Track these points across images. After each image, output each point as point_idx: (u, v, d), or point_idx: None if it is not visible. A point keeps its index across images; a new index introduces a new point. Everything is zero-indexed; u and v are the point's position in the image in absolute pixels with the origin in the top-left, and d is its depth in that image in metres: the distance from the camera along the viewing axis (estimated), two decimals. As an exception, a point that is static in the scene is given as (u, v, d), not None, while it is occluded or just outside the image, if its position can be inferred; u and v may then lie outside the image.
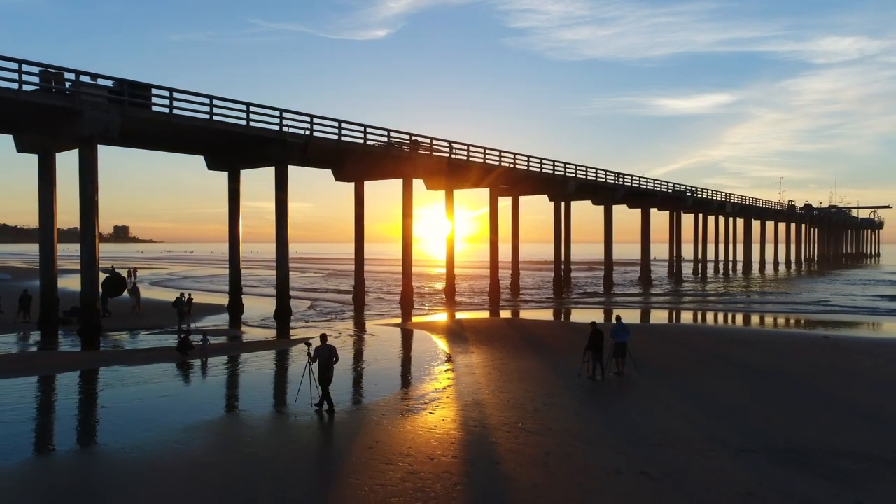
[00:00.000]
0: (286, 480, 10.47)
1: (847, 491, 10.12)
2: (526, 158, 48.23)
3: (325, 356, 15.22)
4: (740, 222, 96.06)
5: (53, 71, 23.85)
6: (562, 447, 12.24)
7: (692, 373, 19.96)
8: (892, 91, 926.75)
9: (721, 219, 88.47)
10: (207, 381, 19.10)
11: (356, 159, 37.20)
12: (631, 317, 37.82)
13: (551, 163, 51.12)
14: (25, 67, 22.78)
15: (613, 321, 20.39)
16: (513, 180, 49.62)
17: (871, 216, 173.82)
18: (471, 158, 42.87)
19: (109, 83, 25.55)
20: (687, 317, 39.32)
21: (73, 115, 24.14)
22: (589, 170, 55.91)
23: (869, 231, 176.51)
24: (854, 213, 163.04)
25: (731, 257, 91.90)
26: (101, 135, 24.73)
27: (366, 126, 35.54)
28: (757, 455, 11.89)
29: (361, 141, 35.49)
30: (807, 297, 50.81)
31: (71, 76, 24.25)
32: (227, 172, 34.95)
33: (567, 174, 53.05)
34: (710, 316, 39.66)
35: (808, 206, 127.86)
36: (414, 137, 38.93)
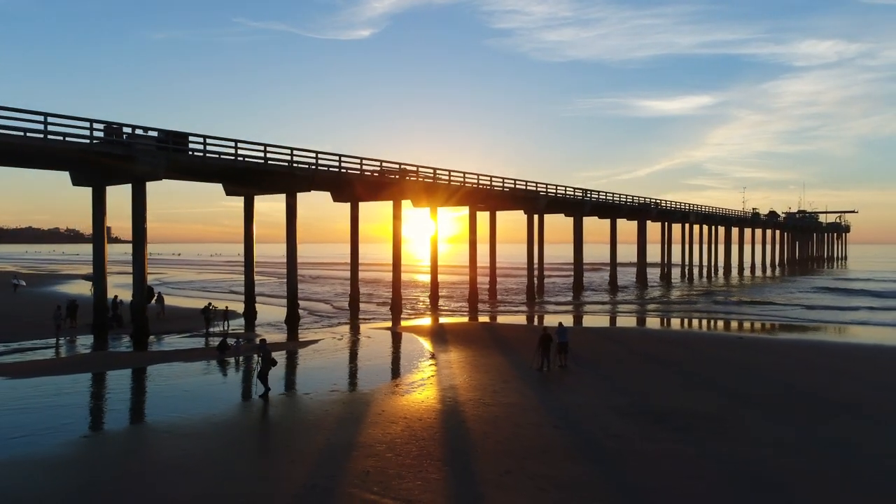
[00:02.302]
0: (331, 430, 16.55)
1: (678, 434, 16.40)
2: (501, 179, 54.56)
3: (264, 349, 20.86)
4: (706, 229, 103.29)
5: (114, 126, 29.72)
6: (506, 413, 18.40)
7: (617, 365, 26.20)
8: (869, 93, 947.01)
9: (687, 226, 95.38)
10: (248, 374, 25.04)
11: (353, 185, 43.23)
12: (590, 321, 44.21)
13: (524, 182, 57.49)
14: (95, 125, 28.65)
15: (557, 326, 26.60)
16: (490, 199, 55.86)
17: (838, 220, 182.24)
18: (452, 182, 49.09)
19: (155, 133, 31.43)
20: (633, 321, 45.61)
21: (130, 160, 30.02)
22: (559, 187, 62.36)
23: (835, 235, 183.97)
24: (822, 217, 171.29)
25: (696, 262, 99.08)
26: (150, 175, 30.63)
27: (362, 158, 41.67)
28: (633, 416, 18.12)
29: (358, 171, 41.59)
30: (750, 306, 57.46)
31: (128, 130, 30.14)
32: (242, 198, 40.86)
33: (539, 191, 59.43)
34: (655, 320, 46.00)
35: (772, 213, 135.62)
36: (402, 166, 45.05)
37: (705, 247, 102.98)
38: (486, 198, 55.09)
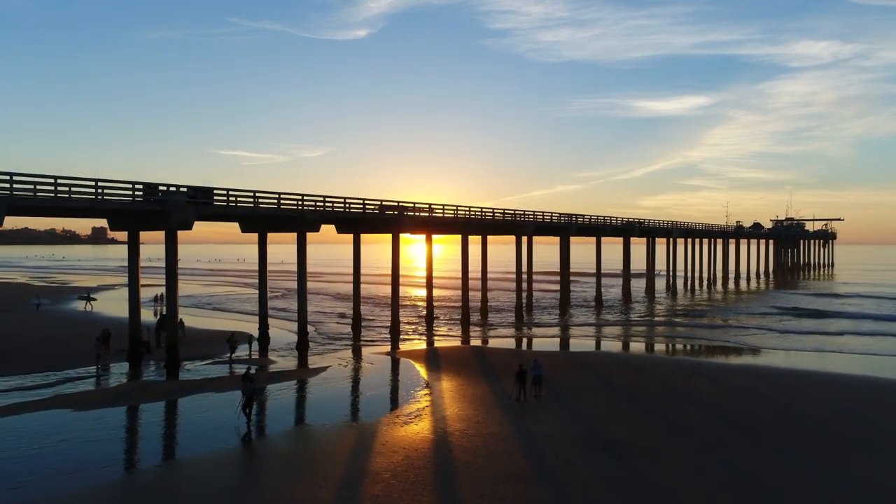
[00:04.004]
0: (346, 459, 21.16)
1: (620, 461, 21.02)
2: (491, 210, 59.41)
3: (250, 391, 25.31)
4: (690, 243, 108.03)
5: (152, 185, 34.40)
6: (485, 443, 23.02)
7: (581, 393, 30.80)
8: (865, 94, 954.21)
9: (671, 240, 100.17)
10: (272, 403, 29.55)
11: (356, 222, 47.91)
12: (571, 345, 48.83)
13: (512, 211, 62.40)
14: (137, 185, 33.32)
15: (533, 361, 31.19)
16: (481, 227, 60.61)
17: (825, 228, 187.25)
18: (445, 215, 53.82)
19: (185, 189, 36.09)
20: (608, 345, 49.40)
21: (165, 215, 34.67)
22: (545, 214, 67.19)
23: (822, 242, 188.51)
24: (809, 225, 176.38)
25: (681, 272, 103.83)
26: (183, 226, 35.38)
27: (364, 199, 46.52)
28: (587, 445, 22.75)
29: (361, 210, 46.31)
30: (723, 330, 62.12)
31: (163, 188, 34.84)
32: (257, 235, 45.51)
33: (526, 219, 64.20)
34: (627, 345, 50.57)
35: (756, 225, 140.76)
36: (400, 203, 49.76)
37: (689, 257, 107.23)
38: (478, 227, 59.83)
